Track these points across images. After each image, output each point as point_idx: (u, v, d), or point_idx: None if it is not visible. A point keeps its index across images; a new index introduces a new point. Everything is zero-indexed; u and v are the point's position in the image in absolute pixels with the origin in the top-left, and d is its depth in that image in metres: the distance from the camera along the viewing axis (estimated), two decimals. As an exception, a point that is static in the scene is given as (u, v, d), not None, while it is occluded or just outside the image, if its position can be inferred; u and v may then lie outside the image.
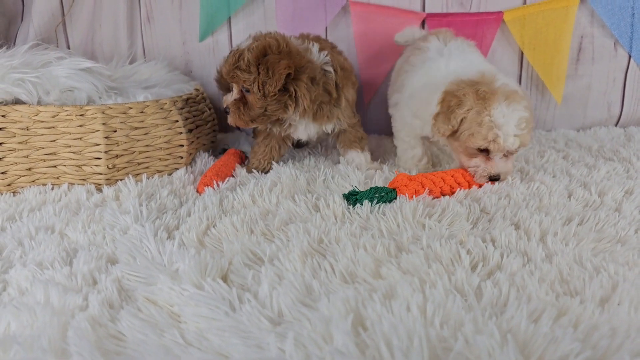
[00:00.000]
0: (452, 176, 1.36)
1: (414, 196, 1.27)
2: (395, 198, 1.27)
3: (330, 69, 1.43)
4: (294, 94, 1.35)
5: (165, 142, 1.52)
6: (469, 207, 1.19)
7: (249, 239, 1.05)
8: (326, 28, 2.07)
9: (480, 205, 1.21)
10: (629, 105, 2.05)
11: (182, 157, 1.57)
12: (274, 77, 1.29)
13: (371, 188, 1.26)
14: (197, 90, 1.78)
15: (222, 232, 1.09)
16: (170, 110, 1.54)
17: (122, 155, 1.44)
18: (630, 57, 1.98)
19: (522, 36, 1.97)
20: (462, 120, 1.29)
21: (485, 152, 1.32)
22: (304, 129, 1.50)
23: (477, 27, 1.98)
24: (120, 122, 1.43)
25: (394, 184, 1.32)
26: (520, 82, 2.07)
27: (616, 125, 2.09)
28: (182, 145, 1.56)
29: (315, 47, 1.43)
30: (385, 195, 1.25)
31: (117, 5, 2.10)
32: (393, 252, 0.96)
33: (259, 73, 1.30)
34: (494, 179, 1.34)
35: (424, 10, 2.02)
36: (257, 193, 1.30)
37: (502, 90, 1.27)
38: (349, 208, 1.20)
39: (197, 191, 1.39)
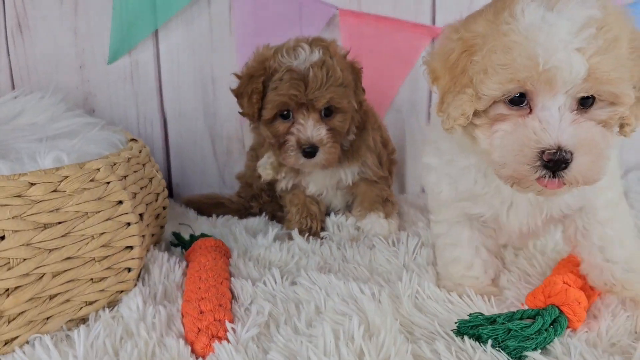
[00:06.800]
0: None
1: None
2: (566, 327, 0.71)
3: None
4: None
5: (104, 245, 0.77)
6: None
7: None
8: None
9: None
10: None
11: (130, 270, 0.82)
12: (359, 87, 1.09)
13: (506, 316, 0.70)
14: (135, 141, 1.02)
15: None
16: (108, 183, 0.79)
17: (16, 289, 0.66)
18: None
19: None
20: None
21: (523, 106, 0.64)
22: (320, 179, 1.15)
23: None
24: (12, 218, 0.66)
25: (548, 291, 0.74)
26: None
27: None
28: (131, 248, 0.82)
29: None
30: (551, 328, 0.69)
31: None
32: None
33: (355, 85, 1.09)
34: (551, 162, 0.60)
35: (434, 23, 1.50)
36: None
37: None
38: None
39: (196, 352, 0.67)
